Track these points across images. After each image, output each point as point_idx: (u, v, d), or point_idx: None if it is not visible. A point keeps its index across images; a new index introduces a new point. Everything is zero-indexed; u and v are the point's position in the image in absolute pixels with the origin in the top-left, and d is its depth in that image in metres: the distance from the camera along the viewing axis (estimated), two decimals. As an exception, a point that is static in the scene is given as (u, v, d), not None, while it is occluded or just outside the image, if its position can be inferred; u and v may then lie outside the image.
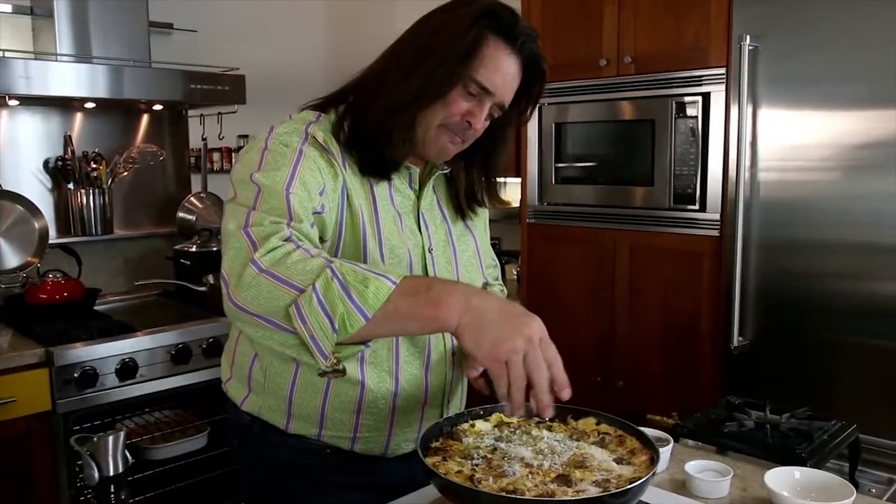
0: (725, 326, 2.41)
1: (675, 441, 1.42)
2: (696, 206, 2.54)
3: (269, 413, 1.30)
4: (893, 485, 1.48)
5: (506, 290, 1.59)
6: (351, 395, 1.25)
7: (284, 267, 0.99)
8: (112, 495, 1.00)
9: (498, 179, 1.39)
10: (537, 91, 1.27)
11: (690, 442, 1.55)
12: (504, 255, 3.66)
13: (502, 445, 1.10)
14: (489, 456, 1.07)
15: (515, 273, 3.43)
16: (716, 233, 2.49)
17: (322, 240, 1.18)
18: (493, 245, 3.81)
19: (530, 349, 0.95)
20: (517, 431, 1.17)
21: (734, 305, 2.36)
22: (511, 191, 3.39)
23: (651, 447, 1.09)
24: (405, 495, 1.20)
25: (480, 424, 1.19)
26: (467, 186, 1.35)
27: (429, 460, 1.04)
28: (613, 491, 0.95)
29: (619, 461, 1.08)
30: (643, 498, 1.18)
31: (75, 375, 2.28)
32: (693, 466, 1.29)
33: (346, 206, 1.20)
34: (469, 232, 1.40)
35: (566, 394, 0.98)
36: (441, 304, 0.96)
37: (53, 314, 2.57)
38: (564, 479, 1.00)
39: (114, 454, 1.00)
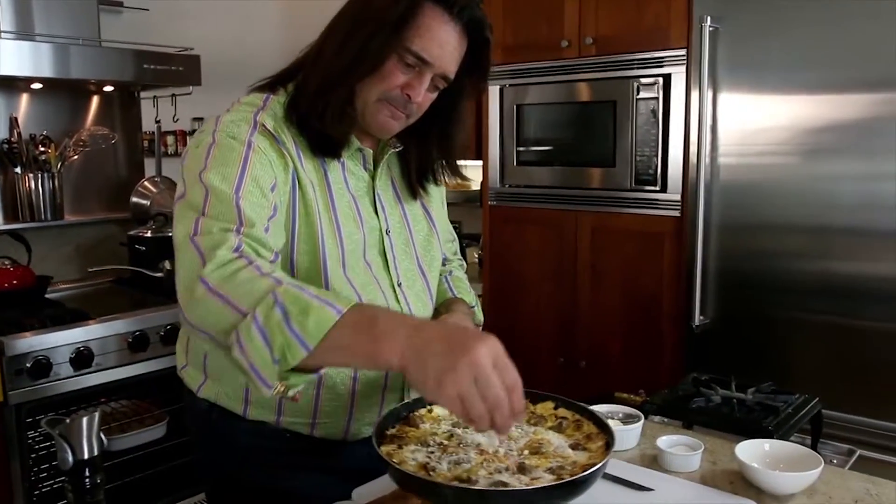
0: (687, 306, 2.44)
1: (645, 417, 1.44)
2: (658, 188, 2.56)
3: (226, 399, 1.27)
4: (853, 455, 1.51)
5: (465, 264, 1.58)
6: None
7: (231, 286, 0.95)
8: (87, 479, 0.96)
9: (457, 156, 1.35)
10: (485, 60, 1.22)
11: (657, 418, 1.57)
12: (465, 239, 3.65)
13: (459, 431, 1.09)
14: (445, 443, 1.06)
15: (477, 256, 3.43)
16: (677, 213, 2.52)
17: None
18: (454, 228, 3.80)
19: (480, 374, 0.84)
20: None
21: (695, 285, 2.39)
22: (471, 173, 3.37)
23: (607, 432, 1.09)
24: (369, 480, 1.18)
25: (438, 410, 1.17)
26: (419, 164, 1.31)
27: (384, 449, 1.03)
28: (567, 479, 0.94)
29: (574, 447, 1.07)
30: (618, 474, 1.20)
31: (27, 365, 2.21)
32: (664, 441, 1.30)
33: (298, 197, 1.16)
34: (424, 210, 1.38)
35: (521, 417, 0.91)
36: (382, 342, 0.89)
37: (3, 303, 2.48)
38: (520, 468, 0.99)
39: (88, 436, 0.96)
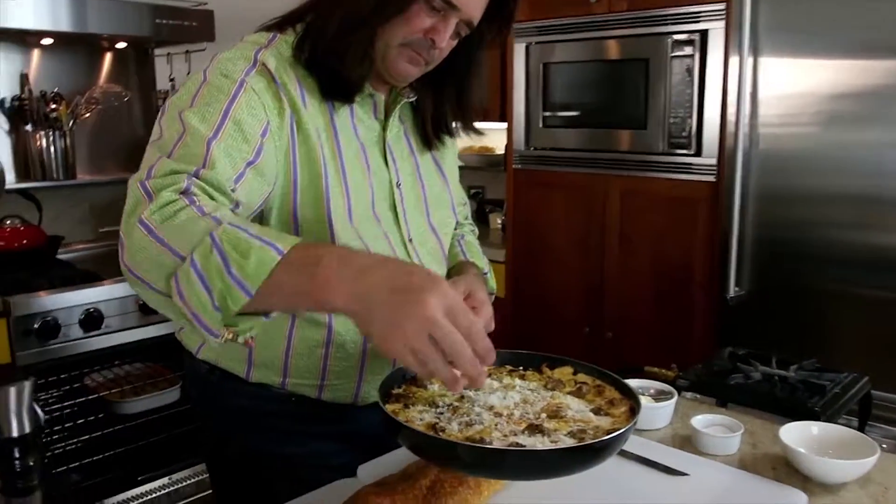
0: (721, 276, 2.33)
1: (678, 394, 1.33)
2: (692, 151, 2.44)
3: (227, 361, 1.20)
4: (904, 439, 1.40)
5: (476, 230, 1.50)
6: (317, 339, 1.15)
7: (171, 228, 0.87)
8: (17, 461, 0.87)
9: (473, 108, 1.26)
10: (511, 8, 1.16)
11: (689, 395, 1.46)
12: (488, 204, 3.56)
13: (470, 393, 1.00)
14: (455, 404, 0.97)
15: (500, 222, 3.33)
16: (712, 178, 2.39)
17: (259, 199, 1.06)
18: (476, 194, 3.70)
19: (434, 328, 0.76)
20: (487, 379, 1.07)
21: (730, 255, 2.27)
22: (496, 137, 3.27)
23: (632, 396, 1.00)
24: (380, 448, 1.11)
25: None
26: (435, 113, 1.24)
27: (388, 407, 0.95)
28: (590, 442, 0.85)
29: (596, 412, 0.98)
30: (649, 456, 1.10)
31: (35, 326, 2.15)
32: (699, 421, 1.20)
33: (298, 143, 1.08)
34: (437, 166, 1.30)
35: (489, 359, 0.82)
36: (325, 286, 0.81)
37: (12, 262, 2.42)
38: (537, 429, 0.90)
39: (18, 410, 0.87)
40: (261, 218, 1.09)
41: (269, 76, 1.06)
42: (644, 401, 1.20)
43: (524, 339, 2.88)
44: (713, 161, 2.39)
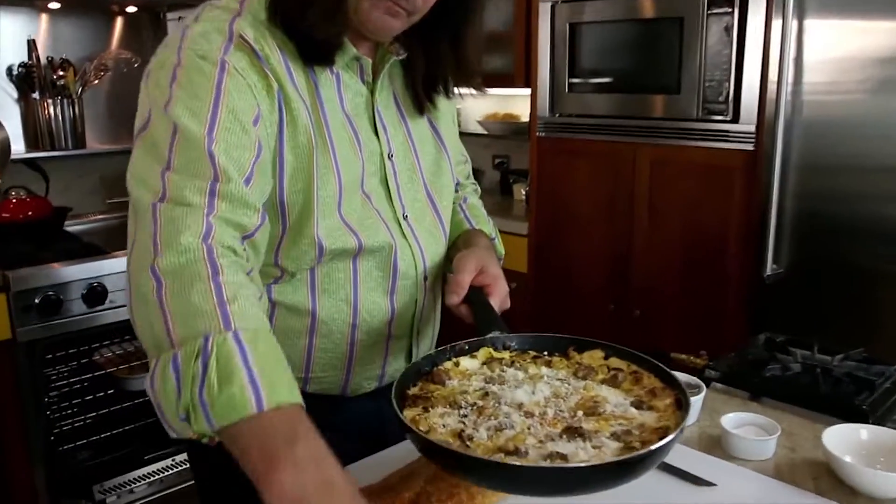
0: (757, 252, 2.16)
1: (707, 386, 1.20)
2: (728, 117, 2.26)
3: None
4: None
5: (479, 190, 1.37)
6: (298, 328, 1.05)
7: (178, 299, 0.77)
8: None
9: (472, 63, 1.11)
10: None
11: (719, 385, 1.32)
12: (512, 175, 3.42)
13: (495, 389, 0.89)
14: (479, 403, 0.86)
15: (524, 193, 3.18)
16: (750, 146, 2.22)
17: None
18: (500, 164, 3.53)
19: None
20: (511, 369, 0.95)
21: (769, 228, 2.11)
22: (520, 103, 3.11)
23: (675, 386, 0.88)
24: (372, 439, 1.04)
25: (466, 363, 0.97)
26: (427, 71, 1.10)
27: (408, 413, 0.84)
28: (641, 452, 0.74)
29: (637, 405, 0.87)
30: (671, 461, 0.98)
31: (36, 301, 2.09)
32: (730, 420, 1.07)
33: (286, 123, 0.95)
34: (433, 131, 1.16)
35: None
36: (281, 473, 0.68)
37: (17, 235, 2.36)
38: (576, 432, 0.78)
39: None
40: None
41: (249, 50, 0.93)
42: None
43: (545, 317, 2.77)
44: (751, 128, 2.21)
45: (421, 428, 0.80)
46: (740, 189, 2.26)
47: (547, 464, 0.74)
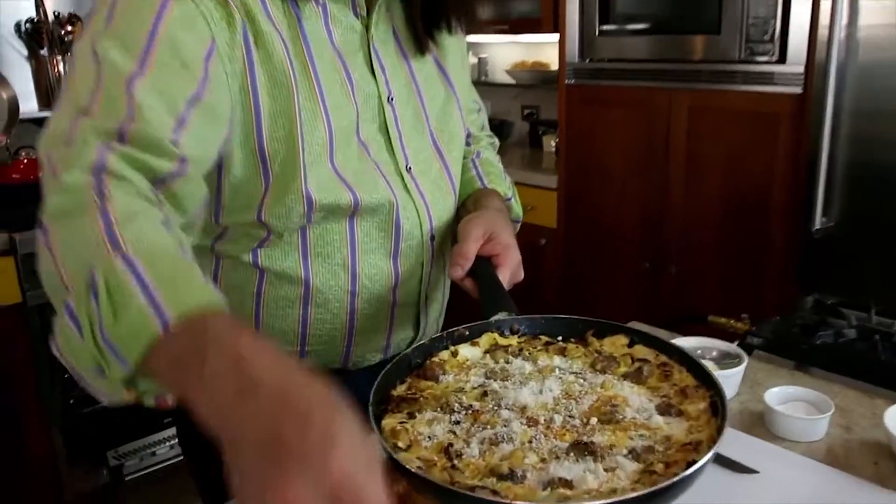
0: (805, 205, 2.01)
1: (748, 354, 1.07)
2: (774, 58, 2.11)
3: None
4: None
5: (496, 143, 1.24)
6: (291, 297, 0.95)
7: (64, 239, 0.65)
8: None
9: None
10: None
11: (762, 354, 1.20)
12: (542, 126, 3.28)
13: (495, 386, 0.77)
14: (475, 405, 0.74)
15: (554, 145, 3.04)
16: (798, 90, 2.05)
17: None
18: (530, 114, 3.38)
19: None
20: (517, 360, 0.83)
21: (818, 178, 1.95)
22: (550, 50, 2.95)
23: (711, 385, 0.74)
24: None
25: (466, 351, 0.85)
26: (427, 3, 0.97)
27: (388, 422, 0.72)
28: (660, 486, 0.60)
29: (664, 410, 0.74)
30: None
31: (43, 265, 2.03)
32: (775, 395, 0.95)
33: (257, 62, 0.82)
34: (440, 71, 1.03)
35: None
36: (197, 395, 0.54)
37: (24, 197, 2.29)
38: (586, 449, 0.66)
39: None
40: (219, 170, 0.86)
41: None
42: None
43: (575, 277, 2.65)
44: (800, 70, 2.05)
45: (400, 444, 0.68)
46: (786, 136, 2.11)
47: (545, 495, 0.62)
